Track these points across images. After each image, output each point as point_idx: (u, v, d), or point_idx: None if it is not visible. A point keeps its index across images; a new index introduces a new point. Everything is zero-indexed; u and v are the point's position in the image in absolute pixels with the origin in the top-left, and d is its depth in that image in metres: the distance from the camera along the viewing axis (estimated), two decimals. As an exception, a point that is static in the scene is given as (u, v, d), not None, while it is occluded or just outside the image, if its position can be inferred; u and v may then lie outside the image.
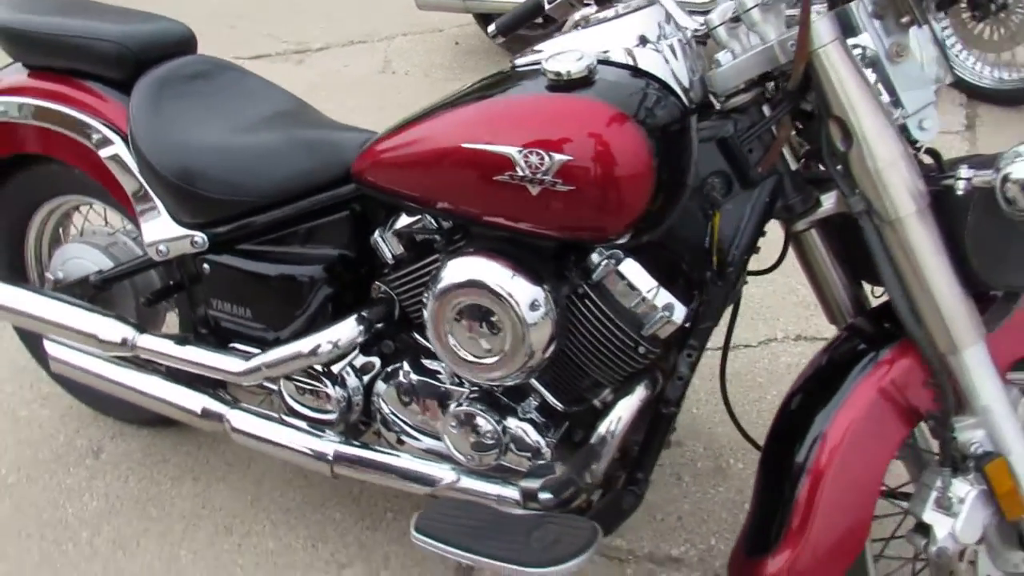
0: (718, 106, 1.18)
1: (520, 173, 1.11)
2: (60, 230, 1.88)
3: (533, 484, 1.30)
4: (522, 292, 1.19)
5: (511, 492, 1.33)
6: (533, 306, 1.19)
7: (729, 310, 1.42)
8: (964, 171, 1.04)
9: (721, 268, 1.19)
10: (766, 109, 1.16)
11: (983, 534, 1.15)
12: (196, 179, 1.42)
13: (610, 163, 1.07)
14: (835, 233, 1.23)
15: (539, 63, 1.13)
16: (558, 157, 1.08)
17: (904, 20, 1.03)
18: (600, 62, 1.13)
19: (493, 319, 1.21)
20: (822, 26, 1.03)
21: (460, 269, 1.23)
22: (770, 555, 1.17)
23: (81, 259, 1.71)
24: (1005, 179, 0.98)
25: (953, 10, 3.12)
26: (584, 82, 1.11)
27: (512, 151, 1.10)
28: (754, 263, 1.29)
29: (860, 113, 1.04)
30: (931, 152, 1.13)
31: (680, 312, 1.21)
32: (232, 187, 1.42)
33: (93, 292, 1.67)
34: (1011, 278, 1.11)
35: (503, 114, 1.16)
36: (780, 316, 2.23)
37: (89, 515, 1.79)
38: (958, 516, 1.12)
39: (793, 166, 1.19)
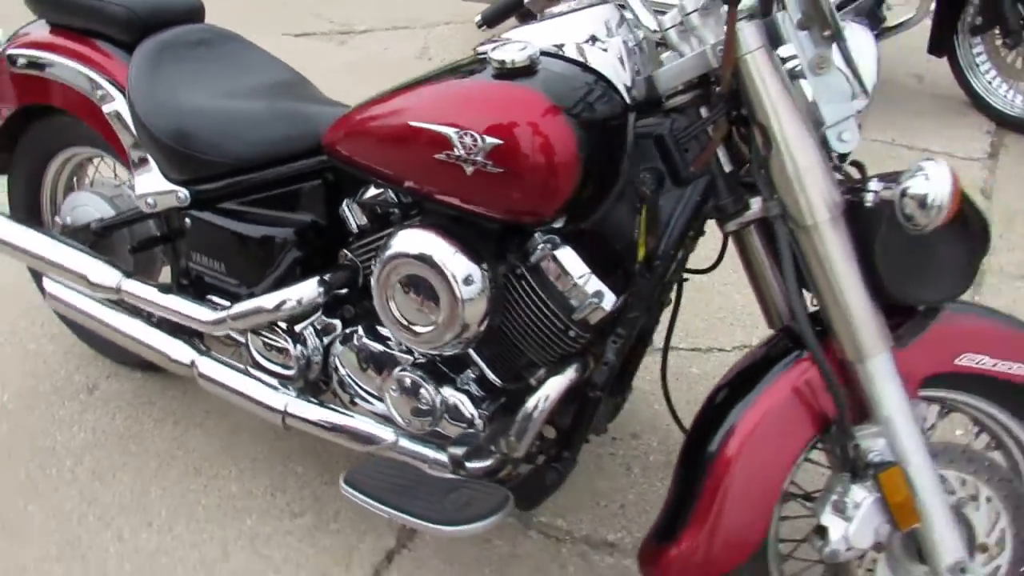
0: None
1: (456, 152, 1.18)
2: (74, 179, 2.02)
3: (459, 451, 1.37)
4: (459, 267, 1.25)
5: (442, 457, 1.40)
6: (467, 281, 1.25)
7: (669, 306, 1.47)
8: (874, 183, 1.07)
9: (648, 261, 1.24)
10: (704, 111, 1.20)
11: (881, 541, 1.18)
12: (182, 138, 1.53)
13: (536, 150, 1.13)
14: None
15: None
16: (489, 140, 1.14)
17: (826, 34, 1.06)
18: (546, 54, 1.20)
19: (431, 290, 1.28)
20: (749, 33, 1.07)
21: (406, 240, 1.30)
22: (673, 542, 1.22)
23: (87, 207, 1.84)
24: (904, 193, 1.01)
25: (987, 37, 3.08)
26: (526, 71, 1.17)
27: (450, 131, 1.17)
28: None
29: (781, 119, 1.08)
30: (856, 164, 1.17)
31: (609, 300, 1.26)
32: (215, 148, 1.52)
33: (94, 238, 1.80)
34: (921, 293, 1.14)
35: (448, 96, 1.23)
36: (759, 324, 2.23)
37: (75, 445, 1.92)
38: (852, 521, 1.15)
39: (728, 168, 1.22)
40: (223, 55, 1.70)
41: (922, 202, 1.00)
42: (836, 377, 1.12)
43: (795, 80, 1.09)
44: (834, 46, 1.10)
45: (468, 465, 1.38)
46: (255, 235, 1.56)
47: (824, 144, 1.10)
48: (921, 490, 1.15)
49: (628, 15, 1.24)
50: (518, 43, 1.18)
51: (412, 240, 1.29)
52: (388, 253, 1.31)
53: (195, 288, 1.67)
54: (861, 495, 1.15)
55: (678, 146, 1.20)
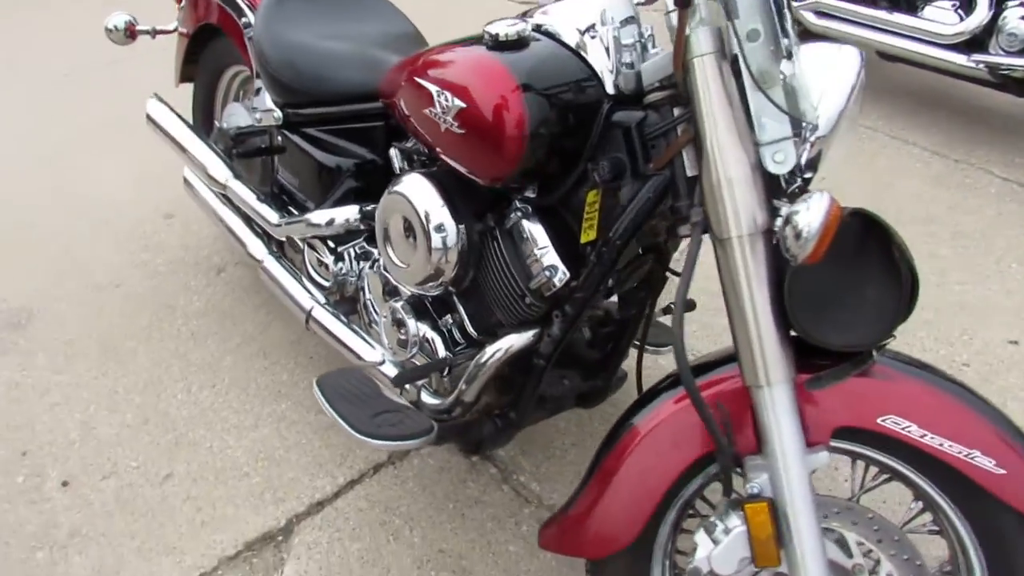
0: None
1: (435, 109, 1.30)
2: (241, 92, 2.38)
3: (420, 384, 1.51)
4: (436, 216, 1.38)
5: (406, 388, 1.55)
6: (440, 229, 1.38)
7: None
8: (784, 208, 1.03)
9: (595, 246, 1.28)
10: (677, 111, 1.21)
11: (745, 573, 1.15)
12: (283, 67, 1.78)
13: (489, 119, 1.21)
14: None
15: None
16: (456, 102, 1.25)
17: (772, 48, 1.03)
18: (547, 35, 1.27)
19: (413, 231, 1.42)
20: (702, 37, 1.07)
21: (406, 182, 1.45)
22: (561, 520, 1.28)
23: (235, 116, 2.18)
24: (787, 222, 0.98)
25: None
26: (516, 46, 1.25)
27: (434, 89, 1.29)
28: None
29: (717, 127, 1.07)
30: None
31: (560, 276, 1.31)
32: (306, 81, 1.76)
33: (232, 144, 2.13)
34: (828, 334, 1.07)
35: (445, 59, 1.34)
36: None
37: (190, 310, 2.32)
38: (717, 545, 1.13)
39: (692, 172, 1.22)
40: (350, 2, 1.93)
41: (797, 233, 0.96)
42: (704, 403, 1.09)
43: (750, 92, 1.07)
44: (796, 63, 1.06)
45: (423, 398, 1.52)
46: (325, 161, 1.79)
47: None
48: (794, 535, 1.10)
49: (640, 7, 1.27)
50: (513, 20, 1.27)
51: (409, 183, 1.44)
52: (388, 191, 1.46)
53: (279, 198, 1.94)
54: (733, 523, 1.13)
55: (643, 140, 1.22)
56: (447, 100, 1.27)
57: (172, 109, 2.16)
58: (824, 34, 3.35)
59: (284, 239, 1.90)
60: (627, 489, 1.22)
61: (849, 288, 1.06)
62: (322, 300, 1.78)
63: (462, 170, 1.34)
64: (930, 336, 2.17)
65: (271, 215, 1.85)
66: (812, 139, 1.08)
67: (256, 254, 1.91)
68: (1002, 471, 1.08)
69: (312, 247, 1.83)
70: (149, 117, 2.16)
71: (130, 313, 2.31)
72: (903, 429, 1.11)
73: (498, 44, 1.26)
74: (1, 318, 2.32)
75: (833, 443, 1.14)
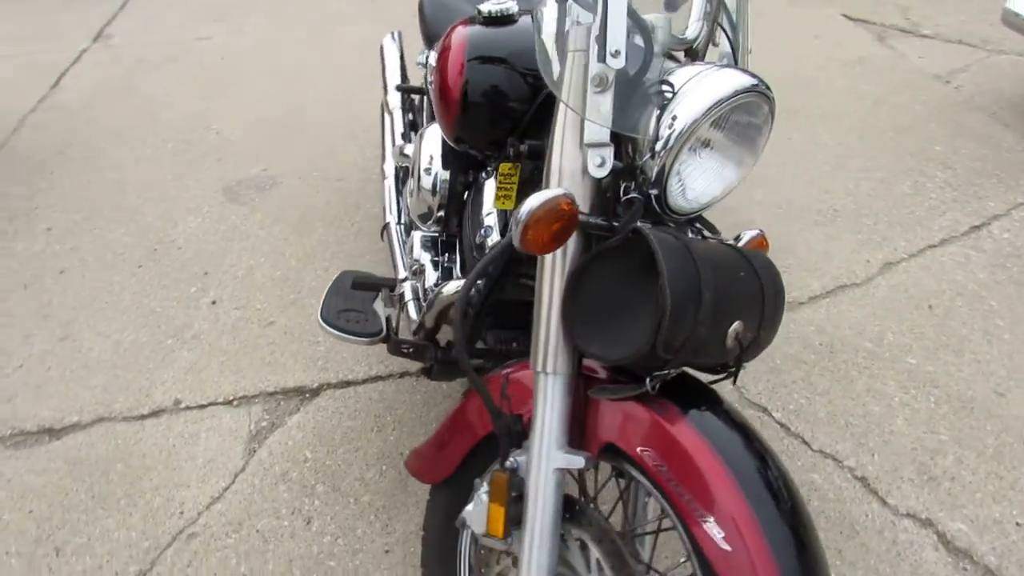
0: None
1: (428, 68, 1.49)
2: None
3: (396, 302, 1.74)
4: (427, 159, 1.59)
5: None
6: (427, 171, 1.58)
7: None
8: (582, 217, 1.05)
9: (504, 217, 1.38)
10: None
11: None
12: (428, 14, 2.06)
13: (438, 81, 1.38)
14: None
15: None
16: (431, 63, 1.43)
17: (611, 51, 1.04)
18: (530, 17, 1.39)
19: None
20: (575, 33, 1.11)
21: (422, 130, 1.66)
22: (416, 451, 1.44)
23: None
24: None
25: None
26: (498, 22, 1.39)
27: (432, 53, 1.48)
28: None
29: (563, 121, 1.11)
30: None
31: (493, 237, 1.44)
32: (438, 33, 2.03)
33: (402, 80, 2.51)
34: (588, 342, 1.07)
35: (453, 28, 1.51)
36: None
37: (370, 213, 2.78)
38: (474, 504, 1.22)
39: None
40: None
41: (516, 217, 0.98)
42: (476, 377, 1.15)
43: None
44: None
45: (408, 312, 1.74)
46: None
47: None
48: (529, 519, 1.14)
49: None
50: (508, 2, 1.40)
51: (424, 131, 1.65)
52: (417, 134, 1.69)
53: (414, 124, 2.27)
54: (485, 488, 1.20)
55: None
56: (430, 60, 1.46)
57: (397, 50, 2.59)
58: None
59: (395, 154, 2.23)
60: (451, 437, 1.35)
61: (623, 306, 1.05)
62: (396, 219, 2.07)
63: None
64: None
65: (398, 134, 2.19)
66: (651, 151, 1.07)
67: (385, 169, 2.27)
68: (727, 547, 1.01)
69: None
70: (381, 48, 2.63)
71: (335, 203, 2.85)
72: (657, 468, 1.08)
73: (484, 19, 1.40)
74: (256, 180, 3.02)
75: (601, 456, 1.14)
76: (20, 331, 2.34)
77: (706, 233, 1.23)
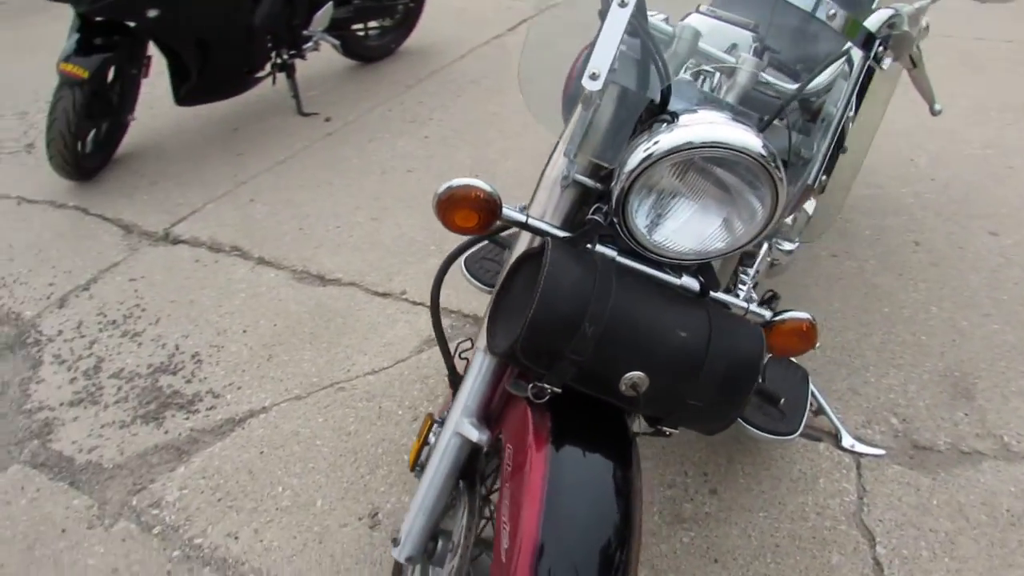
0: None
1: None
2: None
3: None
4: None
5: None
6: None
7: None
8: (530, 221, 1.11)
9: None
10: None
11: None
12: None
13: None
14: None
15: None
16: None
17: (590, 72, 1.05)
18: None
19: None
20: None
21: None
22: None
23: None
24: None
25: None
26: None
27: None
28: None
29: (569, 127, 1.16)
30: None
31: None
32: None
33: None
34: (495, 334, 1.13)
35: None
36: None
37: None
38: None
39: None
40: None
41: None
42: (441, 329, 1.30)
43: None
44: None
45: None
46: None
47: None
48: (429, 465, 1.27)
49: None
50: None
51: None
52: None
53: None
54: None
55: None
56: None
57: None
58: None
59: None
60: None
61: (525, 307, 1.09)
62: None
63: None
64: None
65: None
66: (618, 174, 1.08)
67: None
68: (502, 559, 1.04)
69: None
70: None
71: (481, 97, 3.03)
72: (506, 465, 1.13)
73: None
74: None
75: (498, 440, 1.21)
76: (355, 203, 3.01)
77: (690, 285, 1.14)
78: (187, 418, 2.09)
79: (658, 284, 1.13)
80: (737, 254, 1.24)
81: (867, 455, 1.81)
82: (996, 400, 1.95)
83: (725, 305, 1.19)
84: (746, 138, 1.04)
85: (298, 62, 3.70)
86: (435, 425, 1.31)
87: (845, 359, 2.10)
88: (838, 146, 1.21)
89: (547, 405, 1.12)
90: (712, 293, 1.17)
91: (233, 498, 1.85)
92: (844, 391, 2.00)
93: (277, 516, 1.80)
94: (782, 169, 1.06)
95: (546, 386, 1.08)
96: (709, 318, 1.09)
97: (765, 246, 1.91)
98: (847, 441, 1.84)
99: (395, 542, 1.27)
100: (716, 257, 1.15)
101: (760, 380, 1.12)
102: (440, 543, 1.30)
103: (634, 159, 1.05)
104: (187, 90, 3.30)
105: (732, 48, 1.30)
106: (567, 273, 1.04)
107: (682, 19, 1.37)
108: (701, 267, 1.18)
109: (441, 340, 1.33)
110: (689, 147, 1.02)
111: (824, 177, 1.20)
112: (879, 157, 3.01)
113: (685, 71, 1.29)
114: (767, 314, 1.21)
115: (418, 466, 1.31)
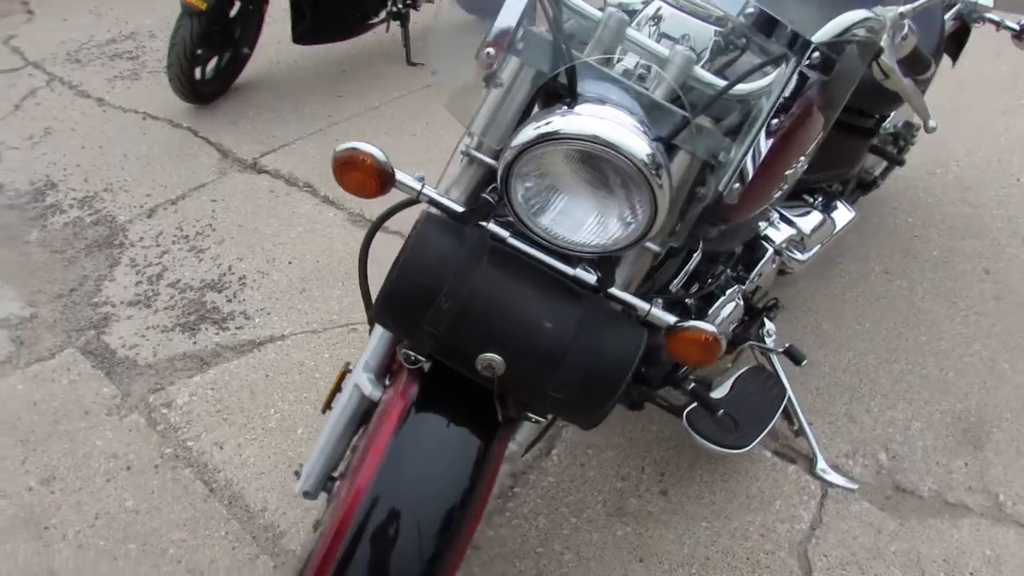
0: None
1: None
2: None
3: None
4: None
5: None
6: None
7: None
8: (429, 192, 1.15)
9: None
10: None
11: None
12: None
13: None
14: None
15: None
16: None
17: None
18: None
19: None
20: None
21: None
22: None
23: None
24: None
25: None
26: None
27: None
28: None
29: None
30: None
31: None
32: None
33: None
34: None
35: None
36: None
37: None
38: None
39: None
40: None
41: None
42: (368, 299, 1.37)
43: None
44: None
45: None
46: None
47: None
48: (335, 403, 1.36)
49: None
50: None
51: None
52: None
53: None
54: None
55: None
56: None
57: None
58: None
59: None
60: None
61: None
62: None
63: None
64: None
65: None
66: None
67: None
68: (341, 505, 1.11)
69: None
70: None
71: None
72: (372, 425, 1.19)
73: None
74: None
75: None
76: (429, 156, 3.11)
77: (584, 277, 1.14)
78: (217, 333, 2.29)
79: (545, 273, 1.13)
80: (652, 254, 1.20)
81: (837, 486, 1.72)
82: (1007, 455, 1.78)
83: (626, 303, 1.17)
84: (630, 139, 1.01)
85: (412, 13, 3.81)
86: (348, 375, 1.39)
87: (854, 383, 1.98)
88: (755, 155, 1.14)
89: (422, 374, 1.17)
90: (613, 290, 1.16)
91: (230, 412, 2.03)
92: (839, 416, 1.89)
93: (261, 436, 1.97)
94: (664, 176, 1.03)
95: (411, 353, 1.13)
96: (583, 313, 1.09)
97: (770, 251, 1.82)
98: (820, 467, 1.75)
99: (297, 475, 1.37)
100: (615, 252, 1.13)
101: (634, 381, 1.11)
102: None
103: (516, 140, 1.06)
104: (302, 29, 3.49)
105: (682, 39, 1.24)
106: (433, 246, 1.07)
107: (645, 4, 1.32)
108: (602, 261, 1.16)
109: (366, 298, 1.40)
110: (557, 137, 1.02)
111: (737, 185, 1.14)
112: (982, 174, 2.74)
113: (618, 60, 1.25)
114: (671, 319, 1.18)
115: (329, 409, 1.40)
